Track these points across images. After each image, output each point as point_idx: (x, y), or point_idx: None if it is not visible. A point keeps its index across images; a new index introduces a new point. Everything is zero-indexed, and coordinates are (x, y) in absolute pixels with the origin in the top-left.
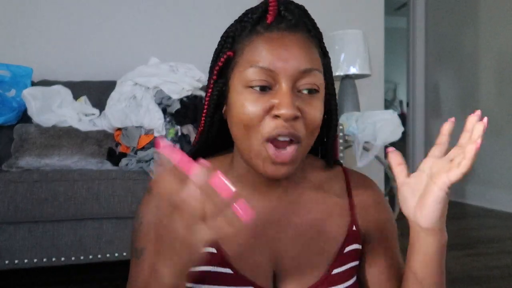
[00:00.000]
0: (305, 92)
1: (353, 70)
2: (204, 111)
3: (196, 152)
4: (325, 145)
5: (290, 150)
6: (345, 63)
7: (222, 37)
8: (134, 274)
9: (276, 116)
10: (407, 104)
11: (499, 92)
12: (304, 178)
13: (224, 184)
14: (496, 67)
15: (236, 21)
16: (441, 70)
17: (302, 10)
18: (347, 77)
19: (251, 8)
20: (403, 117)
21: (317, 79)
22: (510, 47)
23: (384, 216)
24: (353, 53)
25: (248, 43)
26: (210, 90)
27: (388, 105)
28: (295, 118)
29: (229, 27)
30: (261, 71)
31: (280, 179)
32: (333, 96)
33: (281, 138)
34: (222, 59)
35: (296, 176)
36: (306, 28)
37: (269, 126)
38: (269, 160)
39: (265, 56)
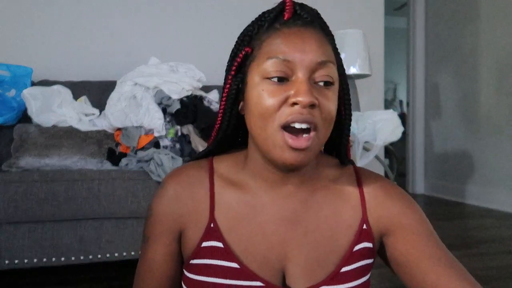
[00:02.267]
0: (321, 84)
1: (353, 70)
2: (221, 108)
3: (212, 149)
4: (338, 143)
5: (307, 136)
6: (345, 63)
7: (239, 37)
8: (141, 255)
9: (293, 104)
10: (407, 104)
11: (499, 92)
12: (317, 174)
13: None
14: (496, 67)
15: (252, 22)
16: (441, 70)
17: (315, 12)
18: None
19: (267, 10)
20: (403, 117)
21: (332, 71)
22: (510, 47)
23: (399, 206)
24: (353, 53)
25: (266, 38)
26: (228, 86)
27: (388, 105)
28: (312, 106)
29: (245, 28)
30: (279, 62)
31: (297, 167)
32: (347, 93)
33: (297, 125)
34: (240, 55)
35: (310, 173)
36: (320, 27)
37: (285, 113)
38: (286, 147)
39: (283, 48)
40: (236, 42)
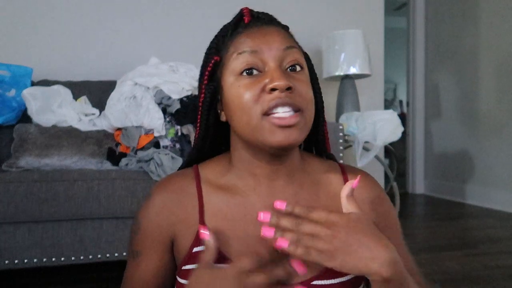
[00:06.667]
0: (290, 70)
1: (353, 70)
2: (199, 115)
3: (196, 157)
4: (315, 139)
5: (293, 115)
6: (345, 63)
7: (205, 53)
8: (130, 272)
9: (271, 91)
10: (407, 104)
11: (499, 92)
12: (303, 170)
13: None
14: (496, 67)
15: (216, 35)
16: (441, 70)
17: (273, 16)
18: (347, 77)
19: (228, 22)
20: (403, 117)
21: (299, 57)
22: (510, 47)
23: (383, 210)
24: (353, 53)
25: (231, 43)
26: (202, 95)
27: (388, 105)
28: (290, 89)
29: (210, 42)
30: (247, 55)
31: (291, 145)
32: (315, 84)
33: (281, 110)
34: (210, 64)
35: (296, 165)
36: (281, 25)
37: (266, 100)
38: (275, 128)
39: (249, 43)
40: (204, 56)
